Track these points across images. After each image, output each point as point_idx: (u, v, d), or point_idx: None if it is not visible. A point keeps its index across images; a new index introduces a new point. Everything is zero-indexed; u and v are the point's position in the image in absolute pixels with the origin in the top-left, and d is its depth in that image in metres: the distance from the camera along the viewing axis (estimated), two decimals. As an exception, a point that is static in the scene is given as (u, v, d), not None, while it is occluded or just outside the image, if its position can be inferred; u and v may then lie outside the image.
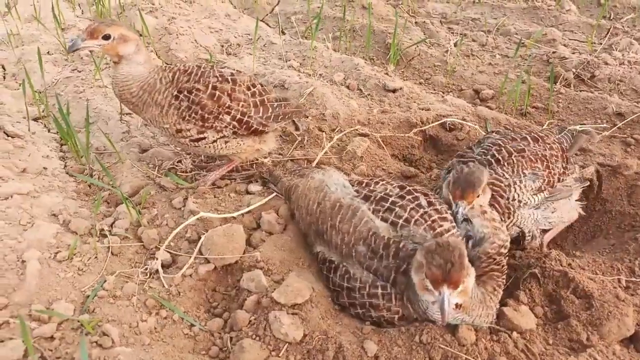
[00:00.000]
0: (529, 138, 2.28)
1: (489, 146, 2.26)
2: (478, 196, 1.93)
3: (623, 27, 4.46)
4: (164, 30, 4.14)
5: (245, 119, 2.34)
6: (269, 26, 4.70)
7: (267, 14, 4.91)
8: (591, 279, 1.94)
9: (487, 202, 1.99)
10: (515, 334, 1.78)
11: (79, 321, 1.76)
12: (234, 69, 2.43)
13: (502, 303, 1.92)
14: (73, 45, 2.22)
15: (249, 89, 2.37)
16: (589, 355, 1.71)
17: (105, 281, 1.97)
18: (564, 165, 2.26)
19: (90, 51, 3.85)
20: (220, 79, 2.32)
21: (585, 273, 1.98)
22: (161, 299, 1.94)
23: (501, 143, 2.25)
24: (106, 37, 2.24)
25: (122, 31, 2.27)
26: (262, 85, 2.44)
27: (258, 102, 2.37)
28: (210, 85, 2.29)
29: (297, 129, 2.61)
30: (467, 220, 1.90)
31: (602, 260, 2.11)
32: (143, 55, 2.32)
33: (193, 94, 2.28)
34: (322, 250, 2.05)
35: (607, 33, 4.28)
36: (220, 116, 2.30)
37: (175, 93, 2.29)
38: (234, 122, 2.33)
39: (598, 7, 4.93)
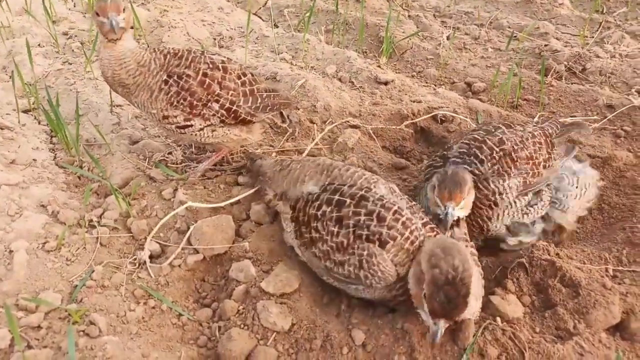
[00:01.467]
0: (502, 126, 2.23)
1: (468, 144, 2.17)
2: (464, 198, 1.93)
3: (615, 21, 4.47)
4: (156, 22, 4.12)
5: (234, 108, 2.33)
6: (262, 19, 4.68)
7: (260, 7, 4.89)
8: (579, 268, 1.95)
9: (471, 203, 2.00)
10: (502, 322, 1.78)
11: (66, 310, 1.76)
12: (225, 57, 2.42)
13: (490, 292, 1.93)
14: (117, 25, 2.14)
15: (239, 77, 2.35)
16: (576, 342, 1.72)
17: (93, 271, 1.97)
18: (548, 151, 2.19)
19: (81, 43, 3.84)
20: (211, 66, 2.30)
21: (573, 262, 1.99)
22: (149, 288, 1.94)
23: (478, 137, 2.17)
24: (124, 10, 2.20)
25: (123, 4, 2.21)
26: (252, 75, 2.42)
27: (247, 92, 2.36)
28: (200, 72, 2.28)
29: (283, 121, 2.59)
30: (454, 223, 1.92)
31: (590, 250, 2.12)
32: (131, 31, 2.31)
33: (183, 80, 2.26)
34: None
35: (599, 27, 4.29)
36: (209, 104, 2.29)
37: (165, 77, 2.27)
38: (222, 111, 2.32)
39: (591, 1, 4.94)
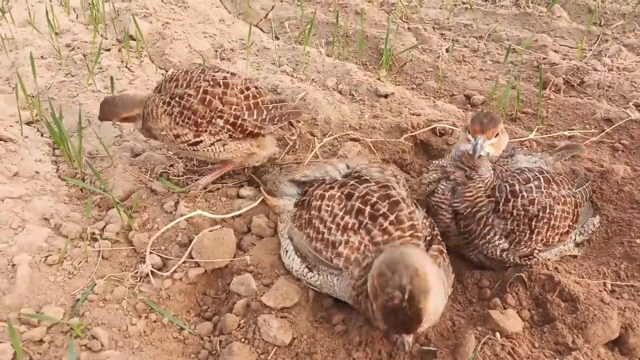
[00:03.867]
0: (540, 178, 2.07)
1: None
2: (497, 135, 1.93)
3: (613, 33, 4.51)
4: (158, 35, 4.16)
5: (239, 122, 2.35)
6: (263, 31, 4.73)
7: (261, 19, 4.94)
8: (577, 283, 1.97)
9: (504, 147, 1.99)
10: (502, 337, 1.80)
11: (68, 325, 1.77)
12: (228, 72, 2.45)
13: (489, 306, 1.94)
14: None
15: (242, 92, 2.38)
16: (574, 358, 1.73)
17: (95, 285, 1.98)
18: (570, 224, 2.08)
19: (84, 55, 3.87)
20: (212, 82, 2.34)
21: (572, 277, 2.00)
22: (151, 302, 1.95)
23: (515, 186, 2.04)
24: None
25: (123, 115, 2.51)
26: (256, 88, 2.44)
27: (252, 105, 2.38)
28: (201, 90, 2.31)
29: (292, 133, 2.60)
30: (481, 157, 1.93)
31: (588, 264, 2.13)
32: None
33: (184, 100, 2.30)
34: None
35: (597, 39, 4.33)
36: (213, 120, 2.32)
37: (168, 99, 2.33)
38: (228, 126, 2.34)
39: (588, 13, 4.99)
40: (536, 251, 2.05)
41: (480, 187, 2.04)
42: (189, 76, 2.37)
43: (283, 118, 2.45)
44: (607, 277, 2.04)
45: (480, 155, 1.93)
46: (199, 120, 2.31)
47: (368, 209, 1.88)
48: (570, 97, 3.43)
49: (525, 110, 3.32)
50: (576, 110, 3.23)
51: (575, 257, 2.21)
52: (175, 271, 2.10)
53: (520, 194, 2.01)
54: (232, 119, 2.33)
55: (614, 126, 3.04)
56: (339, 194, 1.99)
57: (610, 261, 2.14)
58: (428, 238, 1.88)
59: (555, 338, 1.81)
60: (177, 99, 2.32)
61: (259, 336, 1.81)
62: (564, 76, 3.62)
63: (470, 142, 1.93)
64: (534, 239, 2.02)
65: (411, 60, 3.99)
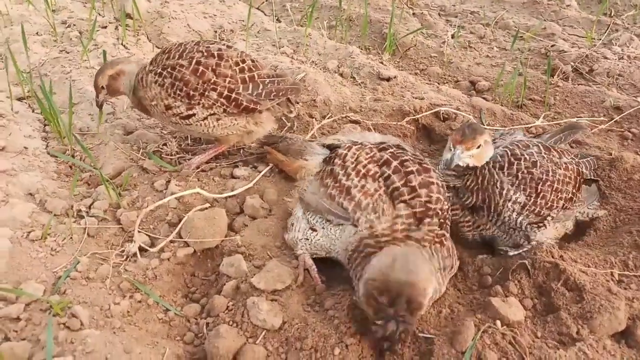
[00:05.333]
0: (541, 147, 2.10)
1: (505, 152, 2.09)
2: (478, 147, 1.96)
3: (623, 23, 4.39)
4: (157, 13, 4.06)
5: (234, 95, 2.25)
6: (265, 14, 4.62)
7: (262, 2, 4.82)
8: (583, 272, 1.87)
9: (489, 156, 2.03)
10: (502, 326, 1.71)
11: (48, 302, 1.69)
12: (223, 44, 2.35)
13: (490, 293, 1.85)
14: (97, 103, 2.52)
15: (237, 64, 2.27)
16: (579, 349, 1.64)
17: (78, 262, 1.90)
18: (573, 192, 2.08)
19: (80, 32, 3.77)
20: (205, 54, 2.24)
21: (577, 265, 1.91)
22: (136, 282, 1.86)
23: (517, 152, 2.07)
24: (102, 88, 2.44)
25: (107, 73, 2.39)
26: (253, 61, 2.33)
27: (247, 78, 2.27)
28: (194, 61, 2.21)
29: (290, 110, 2.49)
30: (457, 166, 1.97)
31: (595, 253, 2.03)
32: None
33: (176, 70, 2.21)
34: None
35: (607, 29, 4.21)
36: (206, 93, 2.22)
37: (159, 70, 2.23)
38: (222, 99, 2.24)
39: (598, 3, 4.86)
40: (548, 218, 2.03)
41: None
42: (182, 47, 2.27)
43: (281, 94, 2.33)
44: (615, 266, 1.95)
45: (457, 165, 1.98)
46: (191, 92, 2.21)
47: (396, 162, 1.87)
48: (578, 85, 3.32)
49: (532, 97, 3.22)
50: (585, 98, 3.12)
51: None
52: (163, 250, 2.01)
53: (522, 156, 2.04)
54: (226, 92, 2.23)
55: (623, 114, 2.93)
56: (371, 146, 1.99)
57: (618, 250, 2.04)
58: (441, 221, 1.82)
59: (559, 328, 1.72)
60: (168, 69, 2.22)
61: (248, 319, 1.72)
62: (572, 64, 3.51)
63: (450, 152, 1.99)
64: (538, 202, 2.00)
65: (415, 46, 3.88)
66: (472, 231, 2.13)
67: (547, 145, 2.15)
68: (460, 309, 1.83)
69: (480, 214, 2.07)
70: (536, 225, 2.04)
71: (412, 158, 1.93)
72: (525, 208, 2.01)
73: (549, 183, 2.01)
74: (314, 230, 1.95)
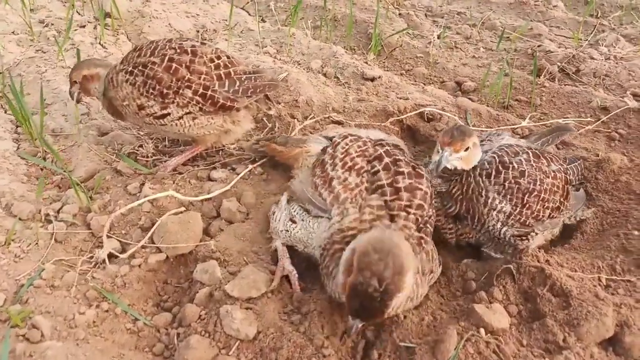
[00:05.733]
0: (530, 153, 2.02)
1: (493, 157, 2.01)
2: (467, 149, 1.91)
3: (610, 24, 4.37)
4: (138, 12, 3.96)
5: (209, 93, 2.16)
6: (249, 14, 4.54)
7: (247, 2, 4.74)
8: (570, 277, 1.81)
9: (477, 159, 1.97)
10: (486, 334, 1.64)
11: (7, 312, 1.59)
12: (197, 41, 2.26)
13: (474, 300, 1.78)
14: (71, 95, 2.43)
15: (212, 61, 2.18)
16: (565, 357, 1.57)
17: (43, 270, 1.80)
18: (561, 200, 2.01)
19: (58, 31, 3.66)
20: (178, 50, 2.15)
21: (564, 270, 1.85)
22: (103, 290, 1.77)
23: (505, 159, 1.98)
24: (74, 84, 2.37)
25: (83, 72, 2.32)
26: (228, 57, 2.25)
27: (223, 75, 2.18)
28: (166, 58, 2.13)
29: (269, 107, 2.40)
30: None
31: (582, 257, 1.98)
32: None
33: (148, 68, 2.12)
34: None
35: (594, 30, 4.18)
36: (181, 90, 2.13)
37: (130, 69, 2.14)
38: (197, 97, 2.15)
39: (585, 4, 4.84)
40: (532, 234, 1.97)
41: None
42: (154, 45, 2.18)
43: (258, 90, 2.24)
44: (602, 271, 1.89)
45: (445, 167, 1.92)
46: (165, 90, 2.12)
47: (389, 159, 1.82)
48: (565, 85, 3.27)
49: (519, 97, 3.17)
50: (571, 98, 3.08)
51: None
52: (134, 256, 1.92)
53: (510, 165, 1.97)
54: (201, 90, 2.14)
55: (610, 115, 2.89)
56: (366, 140, 1.95)
57: (606, 254, 1.98)
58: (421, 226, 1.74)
59: (545, 336, 1.65)
60: (140, 67, 2.13)
61: (221, 329, 1.64)
62: (559, 64, 3.47)
63: (438, 154, 1.93)
64: (524, 212, 1.93)
65: (401, 46, 3.82)
66: (455, 238, 2.06)
67: (537, 151, 2.06)
68: (443, 316, 1.76)
69: (464, 223, 2.01)
70: (520, 239, 1.97)
71: (407, 160, 1.88)
72: (511, 218, 1.94)
73: (535, 193, 1.93)
74: (293, 222, 1.89)
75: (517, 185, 1.93)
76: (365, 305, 1.45)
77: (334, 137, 2.05)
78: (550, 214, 1.99)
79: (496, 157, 2.00)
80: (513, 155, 2.01)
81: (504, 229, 1.95)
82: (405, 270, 1.46)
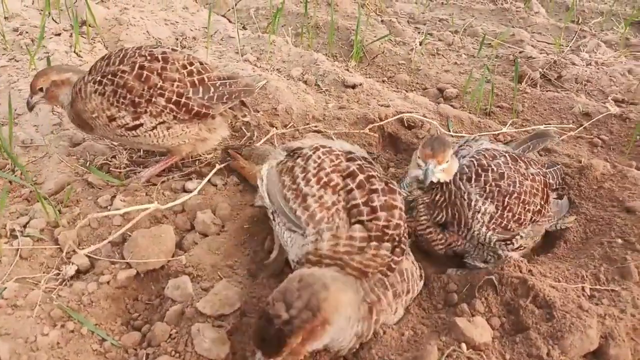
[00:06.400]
0: (508, 157, 2.01)
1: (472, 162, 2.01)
2: (447, 161, 1.87)
3: (591, 30, 4.39)
4: (115, 20, 3.89)
5: (184, 100, 2.08)
6: (229, 21, 4.48)
7: (228, 9, 4.69)
8: (553, 287, 1.77)
9: (455, 169, 1.93)
10: (468, 349, 1.58)
11: (-37, 336, 1.51)
12: (168, 48, 2.20)
13: (456, 313, 1.73)
14: (29, 104, 2.28)
15: (184, 67, 2.11)
16: (549, 372, 1.52)
17: (5, 288, 1.71)
18: (541, 203, 2.00)
19: (32, 40, 3.58)
20: (149, 57, 2.08)
21: (547, 280, 1.80)
22: (68, 309, 1.68)
23: (484, 162, 1.98)
24: (41, 90, 2.22)
25: (52, 78, 2.19)
26: (201, 63, 2.18)
27: (197, 81, 2.11)
28: (137, 66, 2.05)
29: (244, 114, 2.33)
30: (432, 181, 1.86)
31: (565, 266, 1.93)
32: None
33: (118, 77, 2.04)
34: None
35: (575, 36, 4.19)
36: (153, 99, 2.06)
37: (99, 78, 2.07)
38: (171, 105, 2.08)
39: (566, 11, 4.86)
40: (517, 237, 1.95)
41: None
42: (123, 53, 2.11)
43: (234, 96, 2.18)
44: (586, 280, 1.85)
45: (431, 181, 1.87)
46: (137, 99, 2.04)
47: (362, 177, 1.72)
48: (547, 91, 3.26)
49: (500, 104, 3.14)
50: (553, 104, 3.06)
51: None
52: (102, 273, 1.84)
53: (489, 168, 1.95)
54: (174, 97, 2.07)
55: (592, 120, 2.87)
56: (338, 153, 1.84)
57: (589, 263, 1.94)
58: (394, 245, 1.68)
59: (529, 349, 1.60)
60: (109, 77, 2.05)
61: (192, 349, 1.56)
62: (540, 70, 3.46)
63: (421, 168, 1.87)
64: (505, 215, 1.91)
65: (383, 53, 3.79)
66: (445, 248, 2.01)
67: (515, 154, 2.06)
68: (424, 331, 1.70)
69: (451, 230, 1.96)
70: (504, 243, 1.94)
71: (379, 175, 1.78)
72: (493, 220, 1.90)
73: (515, 195, 1.92)
74: (272, 218, 1.82)
75: (497, 188, 1.91)
76: (265, 335, 1.34)
77: (299, 148, 1.98)
78: (532, 217, 1.96)
79: (474, 161, 1.98)
80: (491, 159, 1.99)
81: (489, 233, 1.92)
82: (320, 311, 1.35)
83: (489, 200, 1.91)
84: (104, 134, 2.25)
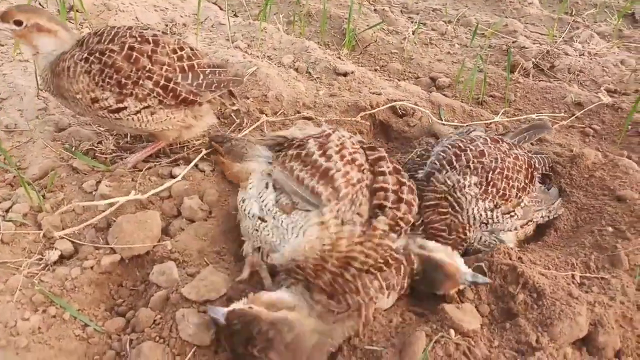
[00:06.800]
0: (488, 139, 2.03)
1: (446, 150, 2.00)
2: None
3: (584, 21, 4.37)
4: (103, 5, 3.81)
5: (172, 85, 2.04)
6: (221, 8, 4.42)
7: (220, -4, 4.62)
8: (543, 275, 1.75)
9: None
10: (456, 335, 1.56)
11: (-59, 320, 1.47)
12: (159, 31, 2.15)
13: (445, 299, 1.71)
14: None
15: (175, 52, 2.06)
16: (538, 359, 1.51)
17: (-16, 274, 1.67)
18: (525, 182, 2.00)
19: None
20: (139, 39, 2.03)
21: (537, 268, 1.79)
22: (50, 294, 1.65)
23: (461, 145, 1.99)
24: (18, 23, 2.02)
25: (38, 20, 2.02)
26: (192, 49, 2.13)
27: (186, 67, 2.07)
28: (126, 46, 2.00)
29: (233, 103, 2.30)
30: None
31: (555, 254, 1.92)
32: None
33: (106, 56, 1.98)
34: None
35: (568, 27, 4.17)
36: (140, 81, 2.01)
37: (86, 55, 2.00)
38: (158, 89, 2.03)
39: (560, 2, 4.84)
40: (518, 207, 1.97)
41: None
42: (114, 31, 2.05)
43: (222, 85, 2.14)
44: (576, 268, 1.84)
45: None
46: (123, 80, 1.98)
47: (392, 165, 1.74)
48: (539, 81, 3.24)
49: (493, 93, 3.12)
50: (545, 94, 3.04)
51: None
52: (86, 258, 1.80)
53: (467, 148, 1.96)
54: (162, 81, 2.02)
55: (584, 110, 2.86)
56: (354, 141, 1.84)
57: (580, 251, 1.93)
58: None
59: (518, 336, 1.58)
60: (97, 54, 1.99)
61: (177, 334, 1.54)
62: (533, 60, 3.44)
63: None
64: (489, 191, 1.90)
65: (376, 42, 3.75)
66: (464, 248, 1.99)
67: (496, 137, 2.07)
68: (412, 317, 1.68)
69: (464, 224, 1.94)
70: (508, 215, 1.95)
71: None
72: (482, 191, 1.89)
73: (498, 170, 1.92)
74: (262, 220, 1.76)
75: (480, 165, 1.91)
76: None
77: (293, 138, 1.94)
78: (517, 194, 1.95)
79: (449, 147, 1.99)
80: (469, 142, 2.00)
81: (485, 204, 1.90)
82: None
83: (474, 176, 1.90)
84: (82, 113, 2.19)
